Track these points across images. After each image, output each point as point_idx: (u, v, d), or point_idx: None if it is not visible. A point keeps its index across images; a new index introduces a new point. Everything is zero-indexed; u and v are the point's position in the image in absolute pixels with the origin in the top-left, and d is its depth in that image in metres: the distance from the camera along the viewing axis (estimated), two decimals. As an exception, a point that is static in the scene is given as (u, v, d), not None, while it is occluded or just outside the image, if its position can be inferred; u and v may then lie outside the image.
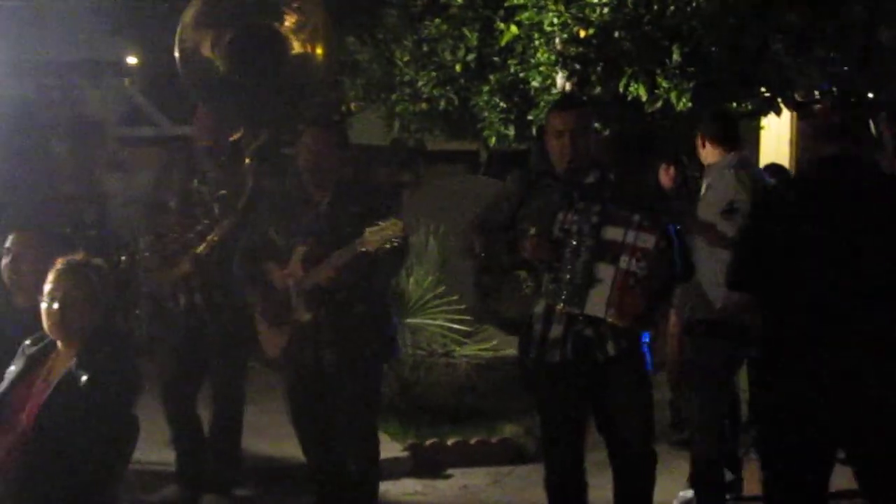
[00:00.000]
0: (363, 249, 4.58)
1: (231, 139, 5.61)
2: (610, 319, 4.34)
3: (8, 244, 4.68)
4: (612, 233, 4.34)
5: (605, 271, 4.32)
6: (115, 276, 4.60)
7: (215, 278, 5.45)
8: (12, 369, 4.10)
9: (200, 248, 5.41)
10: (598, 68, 7.79)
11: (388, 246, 4.60)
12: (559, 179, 4.56)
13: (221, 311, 5.51)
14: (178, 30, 5.53)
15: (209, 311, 5.51)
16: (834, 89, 7.42)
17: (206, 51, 5.53)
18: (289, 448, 5.57)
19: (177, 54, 5.55)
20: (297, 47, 5.57)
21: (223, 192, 5.48)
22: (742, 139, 5.80)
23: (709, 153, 5.68)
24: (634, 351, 4.52)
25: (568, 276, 4.36)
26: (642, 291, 4.33)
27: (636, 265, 4.30)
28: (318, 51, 5.64)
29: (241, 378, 5.76)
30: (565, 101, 6.31)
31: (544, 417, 4.70)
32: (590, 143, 4.58)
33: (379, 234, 4.55)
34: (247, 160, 5.55)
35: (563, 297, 4.37)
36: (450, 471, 6.49)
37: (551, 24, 7.67)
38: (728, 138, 5.64)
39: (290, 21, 5.58)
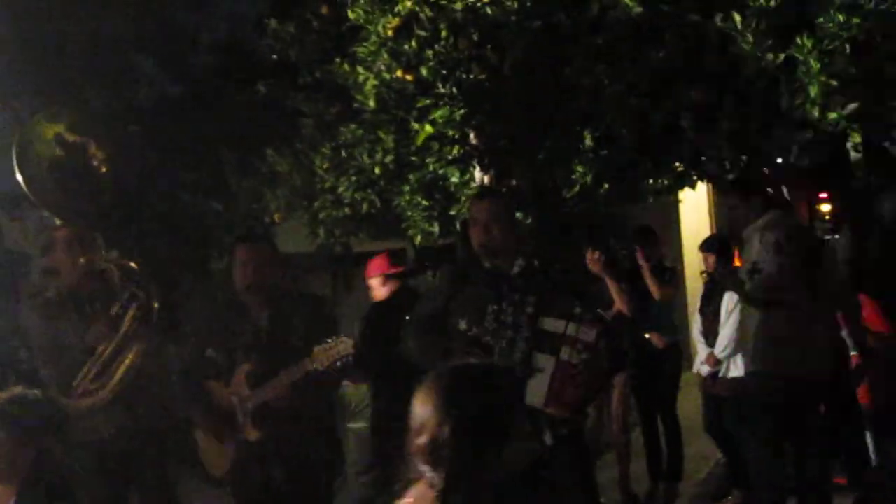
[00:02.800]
0: (313, 367, 4.58)
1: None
2: (550, 411, 4.37)
3: None
4: (552, 324, 4.37)
5: (546, 362, 4.35)
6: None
7: (138, 401, 5.41)
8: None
9: (121, 372, 5.36)
10: (514, 159, 7.93)
11: (338, 364, 4.61)
12: (486, 270, 4.61)
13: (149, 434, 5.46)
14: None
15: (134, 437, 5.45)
16: (743, 157, 7.62)
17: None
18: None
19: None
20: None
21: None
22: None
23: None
24: (574, 438, 4.55)
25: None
26: (581, 382, 4.39)
27: (577, 357, 4.34)
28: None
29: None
30: (485, 191, 6.45)
31: None
32: (511, 232, 4.63)
33: (329, 353, 4.55)
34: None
35: None
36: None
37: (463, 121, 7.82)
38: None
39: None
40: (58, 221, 6.01)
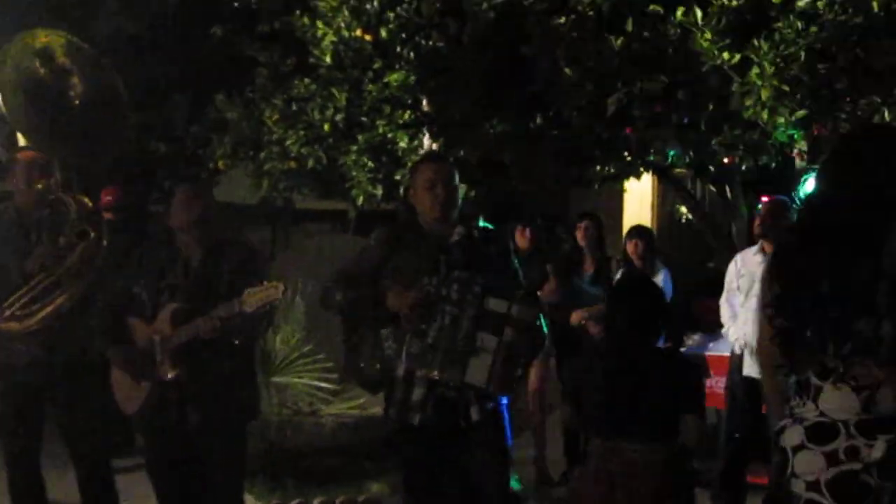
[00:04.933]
0: (241, 309, 4.57)
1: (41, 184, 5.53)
2: (492, 390, 4.41)
3: None
4: (496, 304, 4.39)
5: (489, 341, 4.37)
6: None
7: (60, 336, 5.38)
8: None
9: (54, 305, 5.32)
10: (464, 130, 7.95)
11: (266, 308, 4.61)
12: (424, 236, 4.61)
13: (70, 366, 5.43)
14: None
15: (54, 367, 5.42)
16: (690, 154, 7.68)
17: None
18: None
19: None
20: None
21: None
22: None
23: None
24: (497, 414, 4.60)
25: (444, 343, 4.39)
26: (516, 362, 4.44)
27: (516, 337, 4.38)
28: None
29: (94, 426, 5.64)
30: (435, 153, 6.44)
31: (406, 478, 4.73)
32: (455, 199, 4.63)
33: (259, 296, 4.55)
34: (105, 215, 5.50)
35: (437, 363, 4.40)
36: (315, 531, 6.46)
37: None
38: None
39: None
40: (20, 143, 5.89)
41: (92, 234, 5.45)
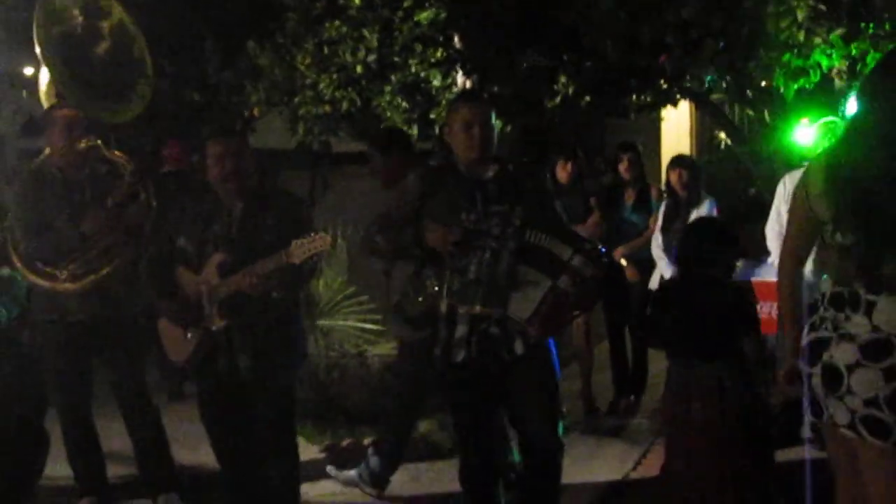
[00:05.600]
0: (289, 261, 4.59)
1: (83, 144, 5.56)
2: (535, 330, 4.42)
3: None
4: (557, 246, 4.39)
5: (538, 278, 4.37)
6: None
7: (116, 290, 5.46)
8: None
9: (110, 267, 5.40)
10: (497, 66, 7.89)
11: (314, 259, 4.62)
12: (461, 175, 4.60)
13: (121, 322, 5.51)
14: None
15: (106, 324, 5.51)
16: (727, 79, 7.60)
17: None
18: (204, 455, 5.58)
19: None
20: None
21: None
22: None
23: None
24: (541, 346, 4.60)
25: (485, 278, 4.38)
26: (566, 310, 4.45)
27: (572, 287, 4.37)
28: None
29: (141, 378, 5.73)
30: (471, 93, 6.36)
31: (455, 414, 4.77)
32: (492, 138, 4.61)
33: (306, 247, 4.55)
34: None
35: (479, 298, 4.39)
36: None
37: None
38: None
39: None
40: (50, 101, 5.92)
41: (142, 195, 5.49)
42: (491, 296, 4.39)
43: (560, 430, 4.79)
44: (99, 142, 5.56)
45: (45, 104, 6.02)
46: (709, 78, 7.51)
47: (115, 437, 5.95)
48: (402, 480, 6.21)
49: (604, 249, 4.91)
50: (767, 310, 7.01)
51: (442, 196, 4.55)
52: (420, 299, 4.55)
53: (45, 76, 6.03)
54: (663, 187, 7.78)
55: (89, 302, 5.48)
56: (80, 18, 5.82)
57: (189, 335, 4.91)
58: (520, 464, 4.93)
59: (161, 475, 5.75)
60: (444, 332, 4.52)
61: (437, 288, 4.50)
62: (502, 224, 4.41)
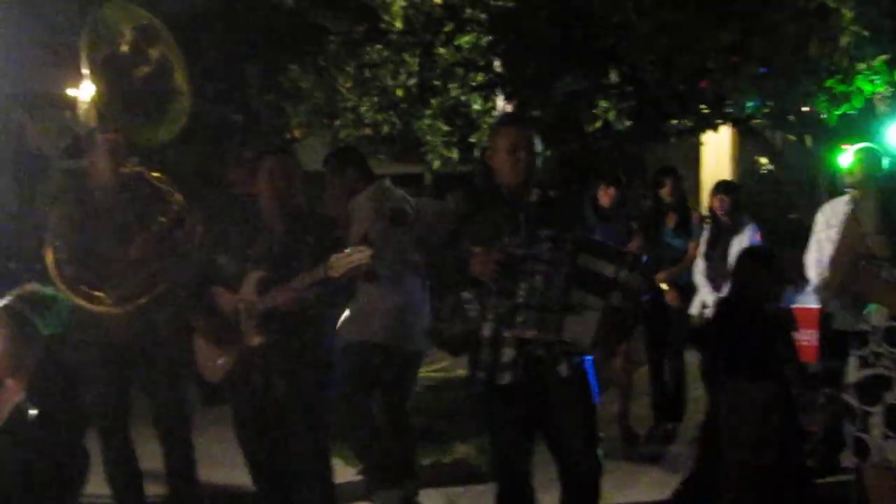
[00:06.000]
0: (328, 275, 4.59)
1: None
2: (595, 352, 4.41)
3: None
4: (601, 266, 4.37)
5: (592, 302, 4.34)
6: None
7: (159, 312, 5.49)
8: (-40, 407, 4.09)
9: (154, 293, 5.43)
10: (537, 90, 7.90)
11: (353, 273, 4.62)
12: (504, 198, 4.59)
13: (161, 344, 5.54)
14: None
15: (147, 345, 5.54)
16: (768, 104, 7.57)
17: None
18: (240, 476, 5.59)
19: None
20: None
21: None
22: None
23: None
24: (583, 370, 4.59)
25: (537, 302, 4.35)
26: (622, 327, 4.44)
27: (623, 303, 4.36)
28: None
29: (178, 399, 5.75)
30: (515, 116, 6.35)
31: (495, 438, 4.73)
32: (535, 161, 4.60)
33: (346, 260, 4.55)
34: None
35: (532, 322, 4.35)
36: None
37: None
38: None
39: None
40: (90, 122, 5.97)
41: (187, 219, 5.51)
42: (544, 320, 4.37)
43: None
44: (142, 168, 5.59)
45: (85, 125, 6.07)
46: (750, 103, 7.48)
47: (151, 456, 5.98)
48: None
49: (646, 259, 4.94)
50: (807, 337, 6.96)
51: (483, 219, 4.54)
52: (459, 323, 4.54)
53: (84, 97, 6.09)
54: (705, 212, 7.74)
55: (131, 325, 5.50)
56: (128, 41, 5.87)
57: (223, 359, 4.92)
58: None
59: (187, 495, 5.76)
60: (488, 354, 4.51)
61: (478, 311, 4.48)
62: (555, 248, 4.39)
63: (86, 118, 6.11)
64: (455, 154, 8.55)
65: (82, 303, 5.41)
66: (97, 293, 5.41)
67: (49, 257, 5.54)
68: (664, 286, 7.55)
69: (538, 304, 4.34)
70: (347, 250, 4.56)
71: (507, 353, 4.43)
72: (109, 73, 5.78)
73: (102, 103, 5.77)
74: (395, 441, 6.12)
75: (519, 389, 4.47)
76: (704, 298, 7.38)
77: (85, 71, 5.68)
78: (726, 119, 8.19)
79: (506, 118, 5.73)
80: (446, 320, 4.63)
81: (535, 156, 4.55)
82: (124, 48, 5.82)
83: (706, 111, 8.12)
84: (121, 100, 5.79)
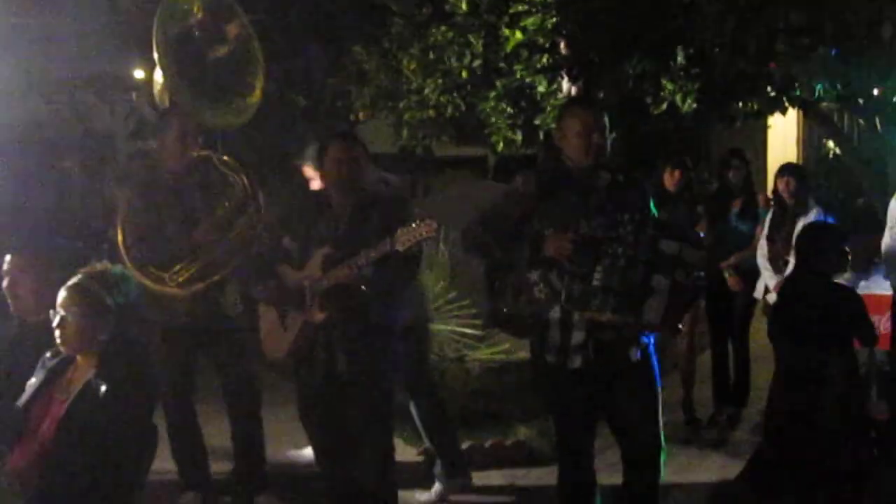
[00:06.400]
0: (394, 248, 4.60)
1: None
2: (664, 331, 4.40)
3: (5, 266, 4.74)
4: (667, 245, 4.36)
5: (663, 283, 4.34)
6: (129, 287, 4.61)
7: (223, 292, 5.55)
8: (33, 381, 4.16)
9: (219, 276, 5.47)
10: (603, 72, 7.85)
11: (420, 245, 4.61)
12: (575, 181, 4.57)
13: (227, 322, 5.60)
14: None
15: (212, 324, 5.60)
16: (838, 86, 7.45)
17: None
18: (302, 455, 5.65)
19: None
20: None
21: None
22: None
23: None
24: (652, 357, 4.58)
25: (616, 285, 4.33)
26: (683, 303, 4.43)
27: (685, 279, 4.35)
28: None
29: (255, 383, 5.82)
30: (581, 98, 6.32)
31: (560, 420, 4.73)
32: (605, 144, 4.59)
33: (411, 234, 4.55)
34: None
35: (609, 305, 4.33)
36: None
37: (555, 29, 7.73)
38: None
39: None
40: (164, 104, 6.03)
41: (252, 205, 5.55)
42: (621, 303, 4.35)
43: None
44: (210, 152, 5.63)
45: (153, 107, 6.13)
46: (819, 85, 7.37)
47: (217, 434, 6.05)
48: (500, 486, 6.20)
49: (701, 234, 4.94)
50: (878, 325, 6.85)
51: (556, 201, 4.52)
52: (524, 305, 4.52)
53: (159, 78, 6.14)
54: (770, 195, 7.66)
55: (195, 306, 5.57)
56: (201, 20, 5.90)
57: (288, 332, 4.94)
58: None
59: (257, 473, 5.82)
60: (557, 337, 4.49)
61: (546, 293, 4.46)
62: (634, 231, 4.36)
63: (159, 98, 6.17)
64: (519, 136, 8.52)
65: (148, 283, 5.48)
66: (162, 274, 5.48)
67: (118, 237, 5.63)
68: (729, 272, 7.47)
69: (616, 287, 4.31)
70: (413, 223, 4.56)
71: (577, 336, 4.43)
72: (180, 53, 5.83)
73: (170, 84, 5.83)
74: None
75: (588, 373, 4.46)
76: (767, 282, 7.30)
77: (155, 51, 5.73)
78: (794, 102, 8.06)
79: (575, 100, 5.70)
80: (509, 302, 4.61)
81: (605, 138, 4.54)
82: (198, 27, 5.86)
83: (773, 94, 8.00)
84: (192, 81, 5.84)
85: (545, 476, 6.00)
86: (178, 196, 5.57)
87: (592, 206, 4.45)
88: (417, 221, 4.56)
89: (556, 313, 4.46)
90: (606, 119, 4.59)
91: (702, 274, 4.52)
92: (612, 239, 4.33)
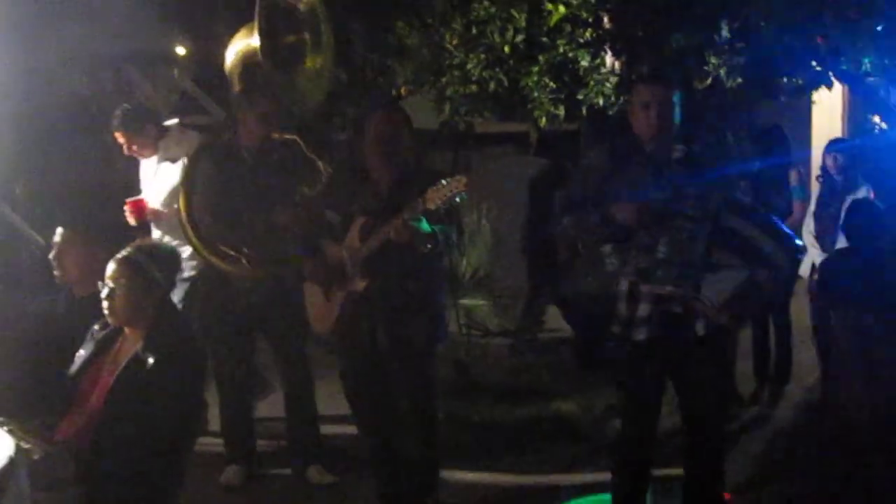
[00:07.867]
0: (426, 207, 4.60)
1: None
2: (721, 317, 4.38)
3: (55, 238, 4.80)
4: (749, 230, 4.37)
5: (729, 261, 4.35)
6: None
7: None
8: (82, 353, 4.22)
9: (285, 260, 5.48)
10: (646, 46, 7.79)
11: (454, 200, 4.61)
12: (645, 153, 4.57)
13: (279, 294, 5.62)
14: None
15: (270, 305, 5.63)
16: (886, 61, 7.36)
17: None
18: (347, 427, 5.68)
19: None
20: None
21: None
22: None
23: None
24: (720, 331, 4.56)
25: (678, 258, 4.37)
26: (760, 304, 4.43)
27: (768, 282, 4.35)
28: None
29: (304, 355, 5.85)
30: (651, 72, 6.34)
31: (626, 394, 4.73)
32: (672, 118, 4.58)
33: (443, 191, 4.56)
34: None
35: (671, 278, 4.37)
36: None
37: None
38: None
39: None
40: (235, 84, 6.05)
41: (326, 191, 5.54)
42: (683, 277, 4.36)
43: None
44: (296, 136, 5.62)
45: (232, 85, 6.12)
46: (867, 59, 7.27)
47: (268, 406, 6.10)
48: (540, 462, 6.19)
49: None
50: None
51: (627, 174, 4.54)
52: (597, 277, 4.52)
53: (229, 58, 6.13)
54: (818, 171, 7.58)
55: (262, 287, 5.59)
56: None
57: (332, 304, 4.96)
58: None
59: (310, 446, 5.86)
60: (624, 310, 4.49)
61: (616, 266, 4.47)
62: (700, 205, 4.37)
63: (234, 81, 6.15)
64: (561, 111, 8.47)
65: (216, 261, 5.52)
66: (234, 253, 5.49)
67: (181, 214, 5.64)
68: None
69: (679, 261, 4.32)
70: (443, 181, 4.56)
71: (644, 309, 4.43)
72: (272, 33, 5.83)
73: (269, 65, 5.80)
74: None
75: (654, 345, 4.46)
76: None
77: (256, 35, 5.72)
78: (841, 77, 7.97)
79: (648, 75, 5.72)
80: (579, 274, 4.62)
81: (670, 112, 4.53)
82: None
83: (819, 68, 7.92)
84: (280, 62, 5.83)
85: (584, 454, 6.01)
86: (254, 175, 5.55)
87: (658, 179, 4.45)
88: (448, 179, 4.57)
89: (623, 286, 4.47)
90: (672, 93, 4.58)
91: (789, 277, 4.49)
92: (675, 213, 4.34)
